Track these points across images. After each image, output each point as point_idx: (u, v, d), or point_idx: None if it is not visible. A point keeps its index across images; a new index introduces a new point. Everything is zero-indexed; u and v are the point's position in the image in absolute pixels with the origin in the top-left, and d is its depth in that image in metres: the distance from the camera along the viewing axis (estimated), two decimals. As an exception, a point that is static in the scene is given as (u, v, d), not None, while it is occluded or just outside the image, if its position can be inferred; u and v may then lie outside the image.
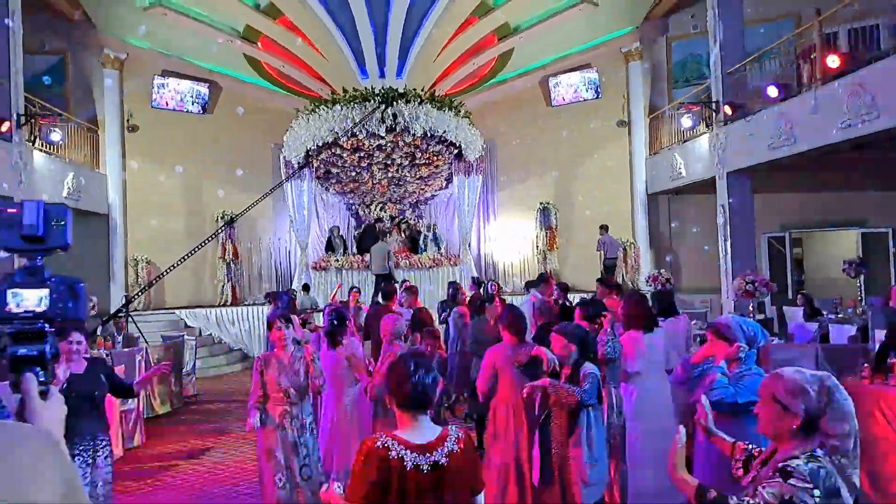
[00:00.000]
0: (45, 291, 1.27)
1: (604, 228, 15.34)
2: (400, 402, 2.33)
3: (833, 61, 8.99)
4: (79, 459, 4.10)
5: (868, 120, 8.40)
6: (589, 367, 3.86)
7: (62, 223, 1.30)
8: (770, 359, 7.02)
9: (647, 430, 4.64)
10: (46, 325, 1.27)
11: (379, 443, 2.21)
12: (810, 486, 1.94)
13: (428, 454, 2.24)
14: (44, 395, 1.24)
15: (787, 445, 2.09)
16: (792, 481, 1.96)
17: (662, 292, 7.25)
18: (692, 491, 2.08)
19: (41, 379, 1.25)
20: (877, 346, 7.30)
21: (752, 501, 1.97)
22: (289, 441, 4.37)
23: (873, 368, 5.43)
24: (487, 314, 7.13)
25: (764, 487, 1.99)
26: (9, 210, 1.27)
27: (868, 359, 6.66)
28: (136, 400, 7.99)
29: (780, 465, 2.04)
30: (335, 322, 5.27)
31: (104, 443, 4.27)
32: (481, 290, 10.89)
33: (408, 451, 2.22)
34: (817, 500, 1.94)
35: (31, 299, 1.27)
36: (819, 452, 2.03)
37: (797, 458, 2.02)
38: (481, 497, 2.38)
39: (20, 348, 1.26)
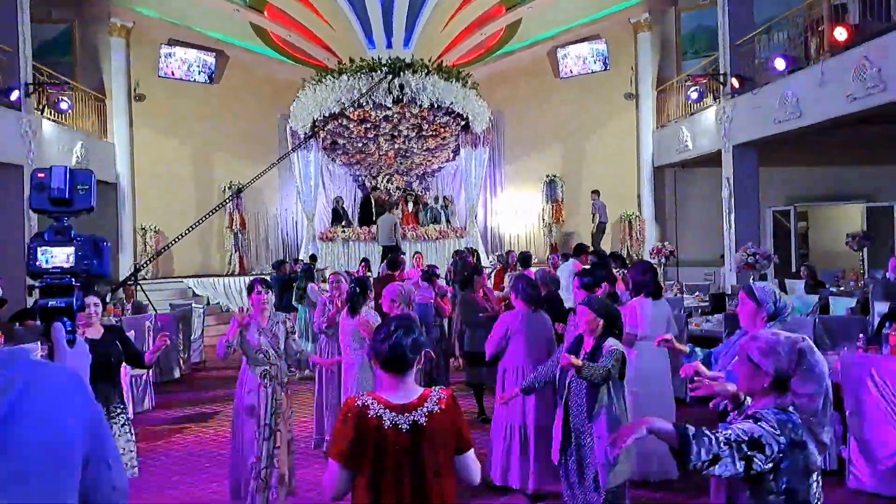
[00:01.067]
0: (71, 249, 1.38)
1: (596, 193, 15.66)
2: (379, 363, 2.39)
3: (840, 34, 8.94)
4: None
5: (874, 93, 8.40)
6: (613, 342, 3.86)
7: (87, 187, 1.40)
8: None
9: (646, 394, 4.80)
10: (73, 280, 1.39)
11: (359, 402, 2.29)
12: (777, 431, 2.08)
13: (407, 414, 2.30)
14: (71, 342, 1.35)
15: (760, 402, 2.23)
16: (762, 424, 2.10)
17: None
18: (672, 432, 2.11)
19: (68, 328, 1.36)
20: (876, 319, 7.42)
21: (723, 433, 2.09)
22: (267, 400, 4.55)
23: (869, 339, 5.55)
24: (476, 285, 7.30)
25: (737, 424, 2.15)
26: (39, 174, 1.38)
27: (865, 330, 6.80)
28: (146, 365, 8.20)
29: (750, 412, 2.19)
30: (357, 289, 5.40)
31: (119, 410, 4.33)
32: (474, 261, 11.13)
33: (387, 411, 2.28)
34: (782, 446, 2.07)
35: (59, 256, 1.38)
36: (791, 408, 2.17)
37: (768, 408, 2.16)
38: (471, 454, 2.43)
39: (50, 301, 1.37)
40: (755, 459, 2.05)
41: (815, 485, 2.20)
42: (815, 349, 2.23)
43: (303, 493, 5.02)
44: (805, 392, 2.17)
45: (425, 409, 2.34)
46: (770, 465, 2.07)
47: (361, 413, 2.28)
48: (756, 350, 2.22)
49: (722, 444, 2.04)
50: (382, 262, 14.39)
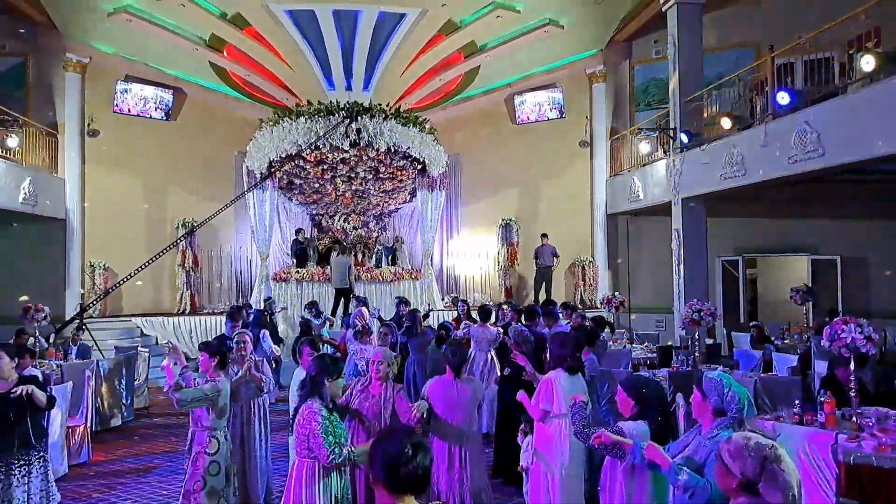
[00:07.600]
0: None
1: (544, 236, 16.01)
2: (395, 486, 2.14)
3: (783, 98, 9.27)
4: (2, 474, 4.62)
5: (813, 157, 8.69)
6: (632, 427, 3.48)
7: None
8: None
9: (547, 472, 4.56)
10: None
11: None
12: None
13: None
14: None
15: (736, 502, 2.26)
16: None
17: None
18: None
19: None
20: (816, 378, 7.59)
21: None
22: None
23: (802, 406, 5.66)
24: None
25: None
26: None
27: (805, 391, 6.95)
28: (84, 414, 7.91)
29: None
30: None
31: (21, 462, 4.71)
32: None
33: None
34: None
35: None
36: None
37: None
38: None
39: None
40: None
41: None
42: (785, 457, 2.22)
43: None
44: (770, 500, 2.15)
45: None
46: None
47: None
48: (726, 451, 2.28)
49: None
50: (335, 304, 14.33)
